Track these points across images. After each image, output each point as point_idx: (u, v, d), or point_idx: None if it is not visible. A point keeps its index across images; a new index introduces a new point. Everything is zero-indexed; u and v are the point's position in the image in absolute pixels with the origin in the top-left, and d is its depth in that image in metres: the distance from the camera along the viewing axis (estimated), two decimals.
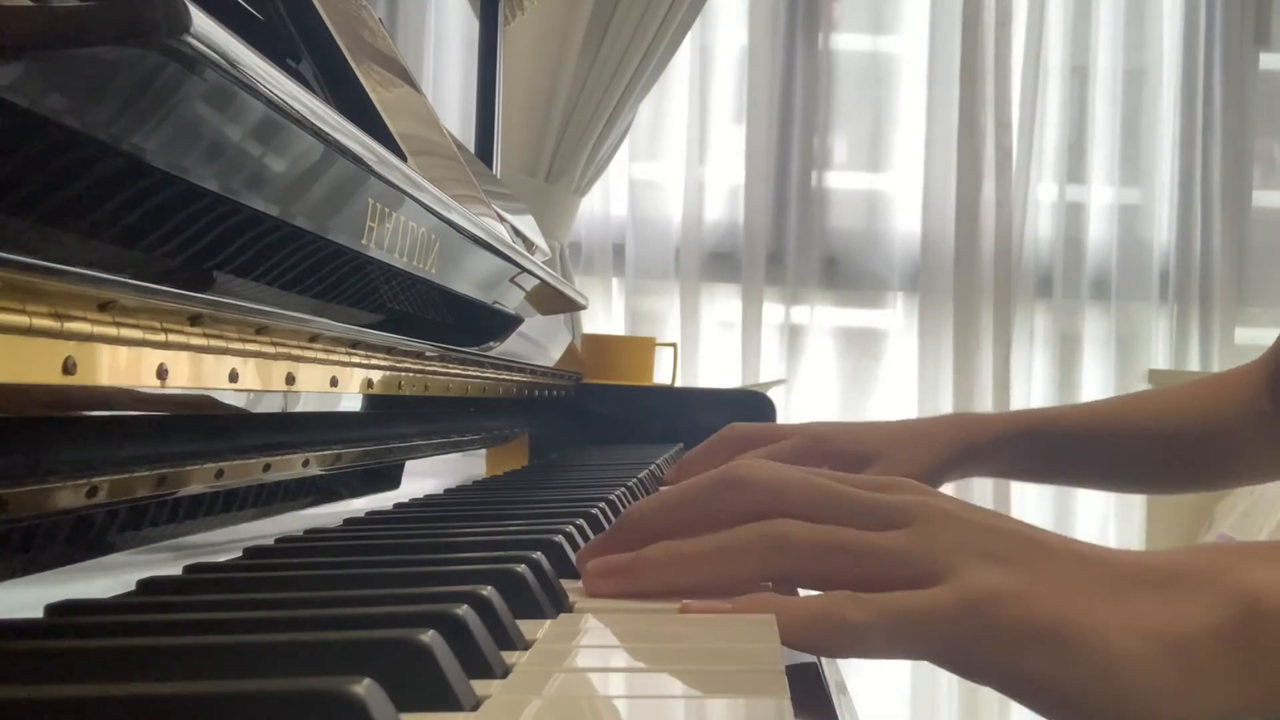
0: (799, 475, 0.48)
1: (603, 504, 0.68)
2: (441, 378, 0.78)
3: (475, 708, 0.31)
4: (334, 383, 0.59)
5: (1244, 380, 0.96)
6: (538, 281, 1.06)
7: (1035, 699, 0.41)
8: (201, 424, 0.51)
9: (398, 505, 0.75)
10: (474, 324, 0.96)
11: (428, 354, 0.74)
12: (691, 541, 0.46)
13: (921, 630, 0.41)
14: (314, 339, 0.56)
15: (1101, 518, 2.59)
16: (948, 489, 0.74)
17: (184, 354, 0.44)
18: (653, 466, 0.95)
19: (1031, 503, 2.55)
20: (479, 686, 0.33)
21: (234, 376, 0.48)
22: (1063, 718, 0.41)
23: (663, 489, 0.64)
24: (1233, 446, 0.95)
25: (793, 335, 2.58)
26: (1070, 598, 0.41)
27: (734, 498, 0.47)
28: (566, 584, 0.49)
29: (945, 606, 0.41)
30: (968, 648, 0.41)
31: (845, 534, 0.44)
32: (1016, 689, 0.41)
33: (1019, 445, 0.94)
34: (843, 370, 2.61)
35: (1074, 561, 0.42)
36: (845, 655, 0.42)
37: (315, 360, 0.56)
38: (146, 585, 0.46)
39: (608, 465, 1.04)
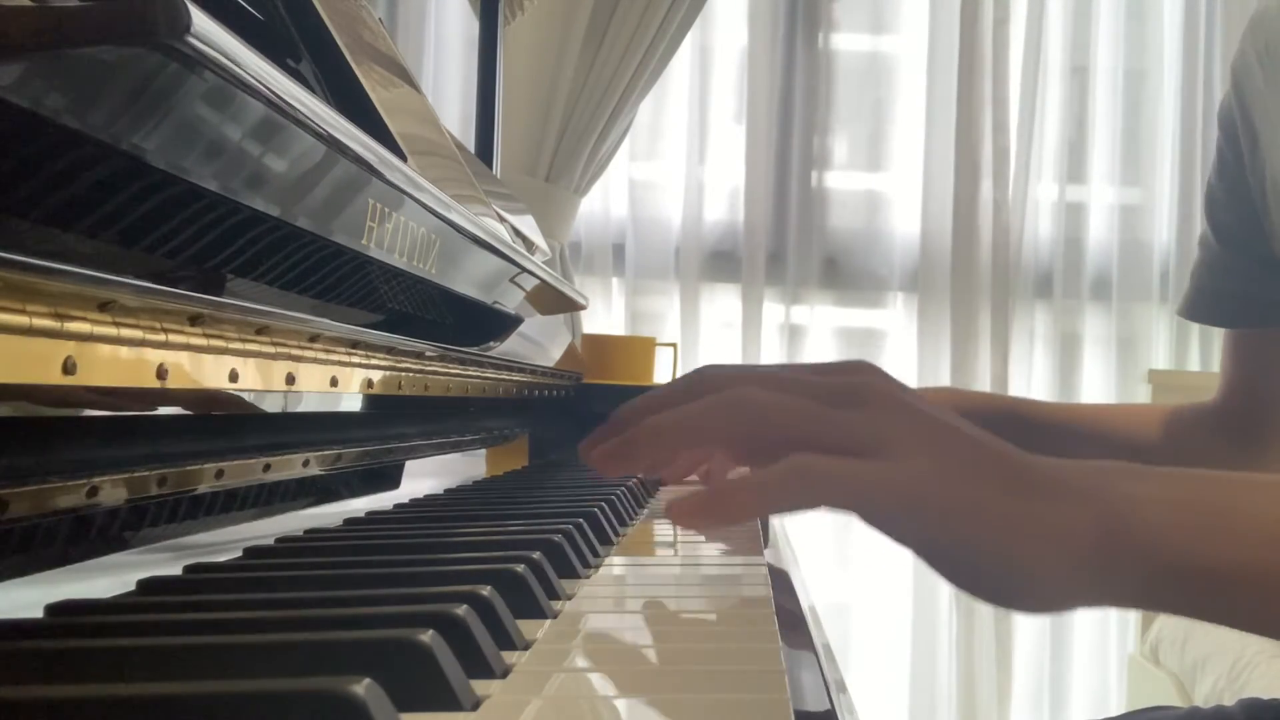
0: (761, 369, 0.55)
1: (603, 504, 0.68)
2: (441, 378, 0.78)
3: (475, 708, 0.31)
4: (334, 383, 0.59)
5: (1199, 414, 0.99)
6: (538, 281, 1.06)
7: (941, 565, 0.47)
8: (201, 424, 0.51)
9: (398, 505, 0.75)
10: (474, 324, 0.96)
11: (428, 354, 0.74)
12: (667, 414, 0.51)
13: (865, 493, 0.46)
14: (314, 339, 0.56)
15: None
16: None
17: (184, 354, 0.44)
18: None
19: None
20: (479, 686, 0.33)
21: (234, 376, 0.48)
22: (960, 585, 0.48)
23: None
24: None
25: (793, 335, 2.59)
26: (980, 490, 0.47)
27: (704, 389, 0.52)
28: (567, 584, 0.49)
29: (882, 479, 0.46)
30: (895, 515, 0.47)
31: (801, 401, 0.50)
32: (927, 554, 0.47)
33: (993, 425, 0.95)
34: None
35: (991, 460, 0.48)
36: (804, 506, 0.48)
37: (315, 360, 0.56)
38: (146, 585, 0.46)
39: None
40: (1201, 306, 1.02)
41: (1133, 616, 2.62)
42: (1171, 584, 0.47)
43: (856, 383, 0.50)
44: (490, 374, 0.92)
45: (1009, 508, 0.46)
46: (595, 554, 0.58)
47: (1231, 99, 0.91)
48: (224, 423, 0.53)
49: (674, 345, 1.87)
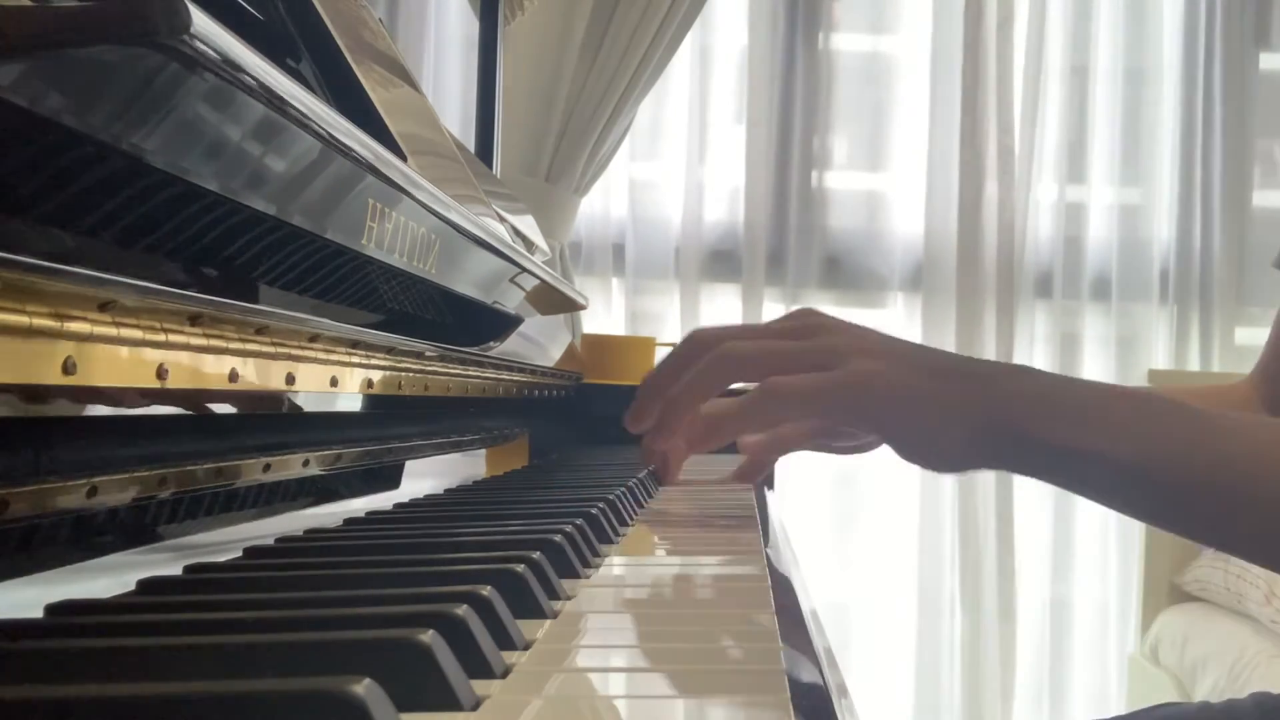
0: (735, 324, 0.73)
1: (602, 504, 0.68)
2: (441, 378, 0.78)
3: (475, 708, 0.31)
4: (334, 383, 0.59)
5: (1239, 391, 0.97)
6: (538, 281, 1.06)
7: (891, 440, 0.64)
8: (201, 424, 0.51)
9: (398, 505, 0.75)
10: (474, 324, 0.96)
11: (428, 354, 0.74)
12: (674, 389, 0.69)
13: (825, 396, 0.63)
14: (314, 339, 0.56)
15: (1101, 522, 2.59)
16: None
17: (184, 354, 0.44)
18: (652, 466, 0.95)
19: (1033, 503, 2.56)
20: (479, 686, 0.33)
21: (234, 376, 0.48)
22: (906, 454, 0.65)
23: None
24: None
25: None
26: (914, 377, 0.63)
27: (697, 350, 0.70)
28: (567, 584, 0.49)
29: (840, 380, 0.63)
30: (853, 406, 0.64)
31: (770, 343, 0.67)
32: (881, 432, 0.64)
33: None
34: None
35: (918, 357, 0.65)
36: (777, 418, 0.68)
37: (315, 360, 0.56)
38: (146, 585, 0.46)
39: (608, 465, 1.04)
40: None
41: (1133, 616, 2.62)
42: (1030, 451, 0.61)
43: (813, 322, 0.68)
44: (490, 374, 0.92)
45: (931, 388, 0.62)
46: (595, 554, 0.58)
47: None
48: (224, 423, 0.53)
49: (674, 345, 1.86)
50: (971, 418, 0.62)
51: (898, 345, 0.65)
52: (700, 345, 0.70)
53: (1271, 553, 0.61)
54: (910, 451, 0.64)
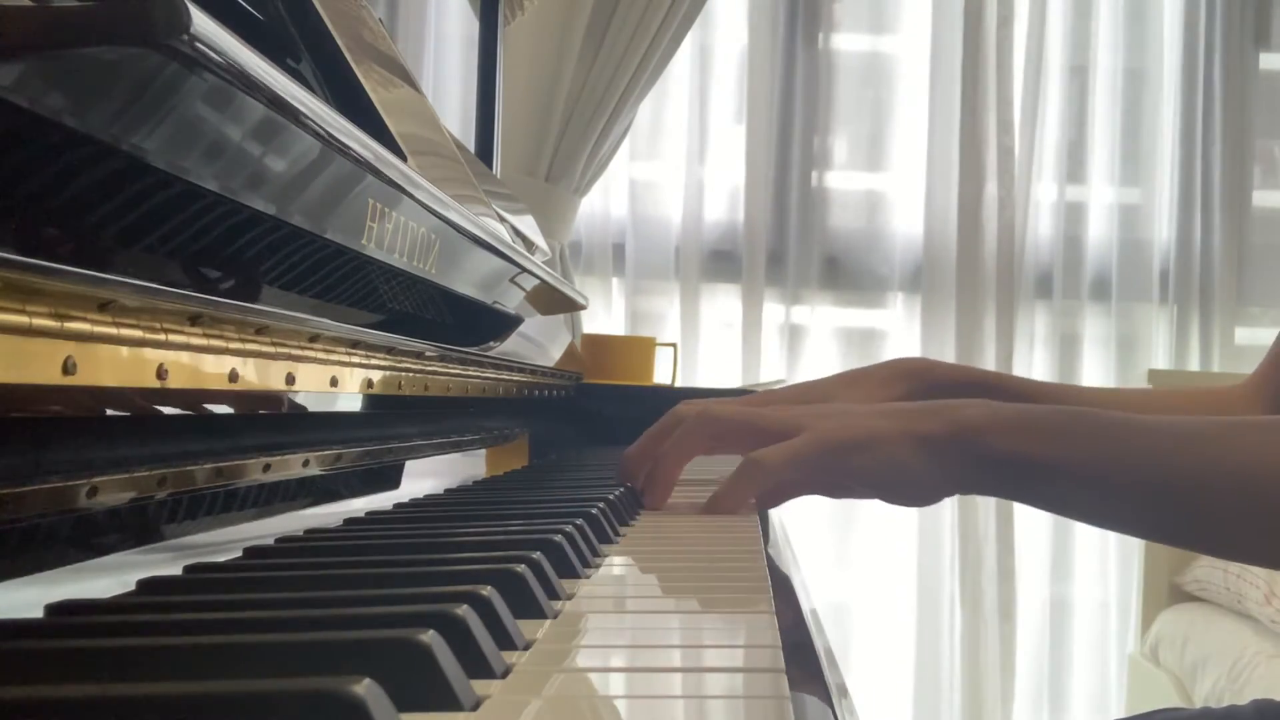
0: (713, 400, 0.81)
1: (602, 504, 0.68)
2: (441, 378, 0.78)
3: (475, 707, 0.31)
4: (334, 383, 0.59)
5: (1236, 394, 0.96)
6: (538, 281, 1.06)
7: (863, 484, 0.70)
8: (201, 424, 0.51)
9: (398, 505, 0.75)
10: (474, 324, 0.96)
11: (428, 354, 0.74)
12: (662, 448, 0.77)
13: (798, 459, 0.69)
14: (314, 339, 0.56)
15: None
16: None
17: (184, 354, 0.44)
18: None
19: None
20: (479, 686, 0.33)
21: (234, 376, 0.48)
22: (883, 493, 0.70)
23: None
24: None
25: (793, 335, 2.58)
26: (873, 421, 0.69)
27: (679, 418, 0.77)
28: (567, 584, 0.49)
29: (808, 442, 0.69)
30: (821, 463, 0.69)
31: (746, 408, 0.76)
32: (858, 477, 0.69)
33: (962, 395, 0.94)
34: (843, 370, 2.60)
35: (873, 409, 0.71)
36: (763, 486, 0.72)
37: (315, 360, 0.56)
38: (146, 585, 0.46)
39: (607, 465, 1.04)
40: None
41: (1133, 616, 2.62)
42: (991, 466, 0.66)
43: (774, 401, 0.79)
44: (490, 374, 0.92)
45: (892, 425, 0.68)
46: (595, 554, 0.58)
47: None
48: (224, 423, 0.53)
49: (674, 345, 1.87)
50: (934, 438, 0.67)
51: (853, 406, 0.74)
52: (681, 415, 0.77)
53: (1214, 543, 0.64)
54: (886, 488, 0.69)
